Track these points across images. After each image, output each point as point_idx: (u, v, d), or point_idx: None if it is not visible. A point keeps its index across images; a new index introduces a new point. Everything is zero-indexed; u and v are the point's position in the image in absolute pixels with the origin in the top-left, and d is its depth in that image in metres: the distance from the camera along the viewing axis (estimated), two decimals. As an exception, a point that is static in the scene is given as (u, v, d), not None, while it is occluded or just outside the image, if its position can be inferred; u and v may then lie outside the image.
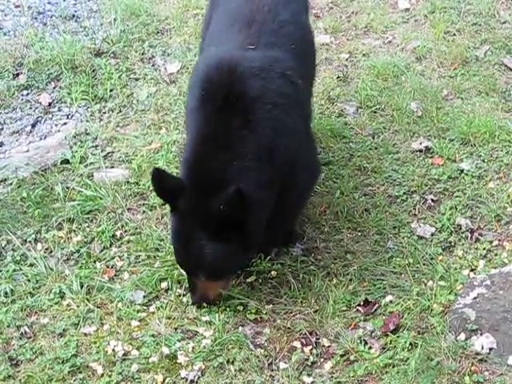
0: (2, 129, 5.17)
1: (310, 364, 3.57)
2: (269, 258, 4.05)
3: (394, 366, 3.51)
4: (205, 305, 3.78)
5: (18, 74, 5.58)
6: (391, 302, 3.84)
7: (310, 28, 4.31)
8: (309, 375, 3.50)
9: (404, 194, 4.48)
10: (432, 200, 4.42)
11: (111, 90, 5.38)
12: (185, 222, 3.54)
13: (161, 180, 3.54)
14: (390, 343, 3.63)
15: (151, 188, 4.41)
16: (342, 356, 3.58)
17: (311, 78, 4.21)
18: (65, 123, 5.19)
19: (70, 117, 5.25)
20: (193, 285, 3.70)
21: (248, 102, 3.56)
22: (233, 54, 3.69)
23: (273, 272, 4.00)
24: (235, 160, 3.47)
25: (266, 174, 3.54)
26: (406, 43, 5.78)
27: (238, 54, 3.68)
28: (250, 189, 3.42)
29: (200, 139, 3.57)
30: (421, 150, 4.78)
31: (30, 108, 5.36)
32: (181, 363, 3.56)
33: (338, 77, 5.55)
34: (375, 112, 5.16)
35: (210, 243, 3.49)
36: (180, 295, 3.89)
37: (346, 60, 5.78)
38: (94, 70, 5.58)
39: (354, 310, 3.80)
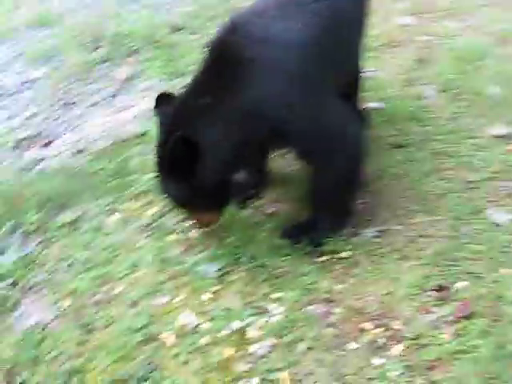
0: (82, 100, 5.23)
1: (379, 346, 3.50)
2: (341, 238, 4.00)
3: (465, 353, 3.42)
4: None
5: (97, 47, 5.64)
6: (464, 288, 3.74)
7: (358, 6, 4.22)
8: (378, 357, 3.44)
9: (481, 179, 4.37)
10: (510, 187, 4.29)
11: (189, 66, 5.36)
12: (155, 155, 3.73)
13: (160, 103, 3.76)
14: (462, 329, 3.54)
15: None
16: (412, 340, 3.51)
17: (346, 50, 4.08)
18: (143, 97, 5.22)
19: (147, 91, 5.28)
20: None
21: (239, 64, 3.56)
22: (246, 18, 3.72)
23: (345, 252, 3.95)
24: (204, 113, 3.53)
25: (230, 135, 3.56)
26: (489, 27, 5.66)
27: (251, 19, 3.69)
28: (204, 142, 3.51)
29: (189, 85, 3.69)
30: (500, 136, 4.66)
31: (109, 81, 5.42)
32: (251, 338, 3.55)
33: (418, 59, 5.45)
34: (454, 96, 5.06)
35: (165, 179, 3.67)
36: (253, 270, 3.88)
37: (426, 42, 5.68)
38: (172, 46, 5.59)
39: (427, 294, 3.71)
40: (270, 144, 4.00)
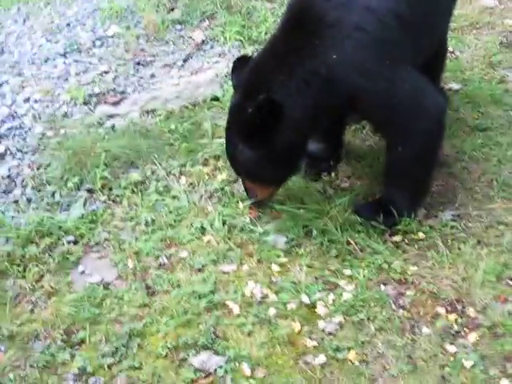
0: (154, 61, 5.16)
1: (453, 333, 3.37)
2: (417, 219, 3.86)
3: (545, 346, 3.25)
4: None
5: (172, 9, 5.56)
6: (545, 279, 3.54)
7: None
8: (452, 344, 3.31)
9: None
10: None
11: (265, 34, 5.27)
12: (228, 120, 3.71)
13: (238, 67, 3.74)
14: (542, 322, 3.36)
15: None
16: (488, 328, 3.36)
17: (430, 23, 3.85)
18: (217, 61, 5.13)
19: (222, 55, 5.19)
20: (243, 183, 3.84)
21: (319, 27, 3.47)
22: None
23: (420, 234, 3.81)
24: (285, 75, 3.47)
25: (309, 99, 3.50)
26: None
27: None
28: (287, 104, 3.45)
29: (266, 47, 3.67)
30: None
31: (183, 43, 5.34)
32: (320, 314, 3.44)
33: (501, 42, 5.32)
34: (540, 82, 4.82)
35: (239, 145, 3.59)
36: (323, 245, 3.75)
37: (511, 26, 5.48)
38: (249, 12, 5.50)
39: (505, 282, 3.56)
40: (347, 112, 3.89)
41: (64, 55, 5.19)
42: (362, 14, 3.48)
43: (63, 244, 3.82)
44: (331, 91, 3.53)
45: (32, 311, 3.50)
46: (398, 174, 3.84)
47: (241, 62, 3.82)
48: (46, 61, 5.14)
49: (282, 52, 3.56)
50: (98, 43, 5.30)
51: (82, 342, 3.35)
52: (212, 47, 5.28)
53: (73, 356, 3.28)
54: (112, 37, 5.35)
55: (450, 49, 5.00)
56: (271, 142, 3.56)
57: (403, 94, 3.60)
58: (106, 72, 5.05)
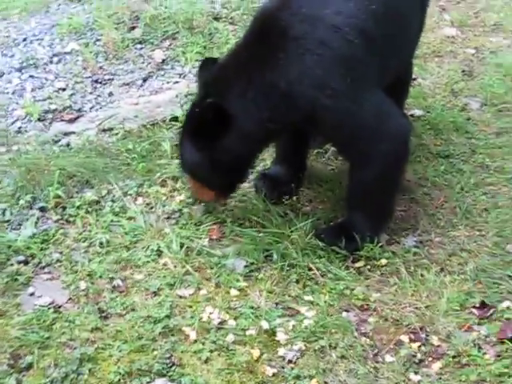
0: (113, 79, 5.08)
1: (417, 361, 3.26)
2: (379, 244, 3.76)
3: (510, 376, 3.17)
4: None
5: (133, 28, 5.50)
6: (509, 308, 3.50)
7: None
8: (416, 373, 3.20)
9: (527, 197, 4.10)
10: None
11: (226, 55, 5.13)
12: (186, 114, 3.79)
13: (204, 68, 3.81)
14: (506, 351, 3.29)
15: (260, 158, 4.23)
16: (452, 358, 3.26)
17: (397, 45, 3.79)
18: (176, 82, 5.05)
19: (182, 76, 5.12)
20: (188, 181, 3.89)
21: (283, 40, 3.45)
22: None
23: (383, 260, 3.73)
24: (242, 84, 3.49)
25: (264, 112, 3.49)
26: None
27: None
28: (238, 114, 3.48)
29: (230, 54, 3.72)
30: (548, 155, 4.38)
31: (143, 62, 5.25)
32: (279, 341, 3.31)
33: (463, 71, 5.33)
34: (500, 111, 4.88)
35: (186, 143, 3.67)
36: (283, 270, 3.65)
37: (472, 55, 5.54)
38: (210, 34, 5.47)
39: (468, 311, 3.48)
40: (305, 129, 3.83)
41: (20, 70, 5.07)
42: (327, 30, 3.44)
43: (12, 264, 3.67)
44: (289, 107, 3.49)
45: (-23, 334, 3.31)
46: (360, 197, 3.77)
47: (207, 63, 3.84)
48: (0, 75, 5.02)
49: (244, 61, 3.55)
50: (55, 59, 5.18)
51: (30, 366, 3.19)
52: (172, 67, 5.19)
53: (19, 382, 3.12)
54: (70, 53, 5.25)
55: (413, 76, 4.92)
56: (214, 146, 3.57)
57: (366, 113, 3.54)
58: (63, 89, 4.93)
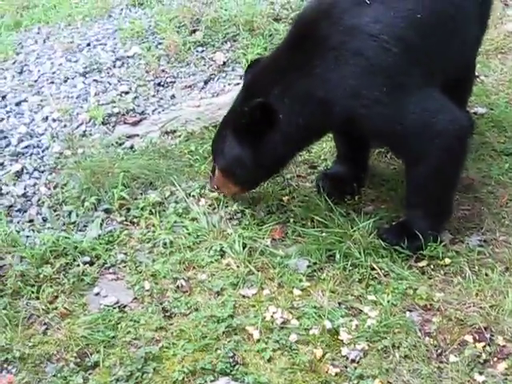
0: (175, 82, 5.12)
1: (482, 361, 3.23)
2: (442, 244, 3.74)
3: None
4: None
5: (194, 31, 5.52)
6: None
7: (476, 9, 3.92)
8: (480, 373, 3.17)
9: None
10: None
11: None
12: (227, 112, 3.88)
13: (251, 68, 3.92)
14: None
15: (322, 157, 4.25)
16: (518, 358, 3.19)
17: (447, 49, 3.75)
18: (238, 83, 5.03)
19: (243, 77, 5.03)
20: (212, 171, 3.94)
21: (321, 49, 3.53)
22: (338, 3, 3.59)
23: (446, 259, 3.70)
24: (282, 89, 3.58)
25: (302, 118, 3.60)
26: None
27: (346, 5, 3.56)
28: (280, 116, 3.58)
29: (271, 57, 3.82)
30: None
31: (204, 65, 5.28)
32: (343, 340, 3.32)
33: None
34: None
35: (229, 138, 3.73)
36: (346, 269, 3.66)
37: None
38: (271, 35, 5.46)
39: (536, 311, 3.39)
40: (353, 133, 3.87)
41: (84, 75, 5.14)
42: (365, 40, 3.47)
43: (78, 265, 3.73)
44: (325, 114, 3.57)
45: (45, 333, 3.40)
46: (417, 195, 3.77)
47: (254, 64, 3.95)
48: (65, 80, 5.08)
49: (283, 66, 3.64)
50: (118, 63, 5.24)
51: (96, 365, 3.25)
52: (233, 69, 5.22)
53: (86, 380, 3.18)
54: (132, 57, 5.30)
55: (476, 73, 4.86)
56: (258, 144, 3.65)
57: (409, 116, 3.55)
58: (126, 92, 4.99)
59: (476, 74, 4.84)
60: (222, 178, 3.91)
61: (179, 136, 4.62)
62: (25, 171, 4.36)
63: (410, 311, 3.46)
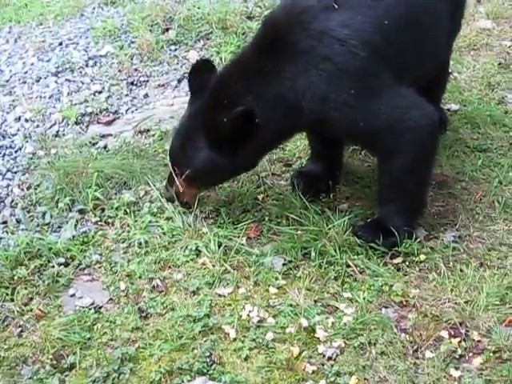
0: (148, 81, 5.11)
1: (457, 357, 3.26)
2: (417, 240, 3.77)
3: (552, 371, 3.13)
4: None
5: (167, 29, 5.53)
6: (552, 303, 3.44)
7: (439, 13, 3.95)
8: (456, 368, 3.19)
9: None
10: None
11: (261, 54, 5.15)
12: (192, 118, 3.76)
13: (198, 70, 3.82)
14: (549, 347, 3.24)
15: (296, 155, 4.26)
16: (493, 353, 3.26)
17: (417, 50, 3.81)
18: (212, 82, 4.98)
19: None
20: (171, 180, 3.84)
21: (291, 54, 3.55)
22: (308, 8, 3.61)
23: (421, 256, 3.72)
24: (252, 95, 3.57)
25: (275, 122, 3.61)
26: None
27: (316, 10, 3.59)
28: (262, 122, 3.57)
29: (238, 59, 3.77)
30: None
31: (177, 63, 5.29)
32: (319, 338, 3.33)
33: (500, 63, 5.33)
34: (539, 103, 4.78)
35: (205, 147, 3.66)
36: (322, 267, 3.66)
37: (509, 47, 5.54)
38: (244, 33, 5.49)
39: (509, 305, 3.46)
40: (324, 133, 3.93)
41: (56, 74, 5.12)
42: (333, 45, 3.50)
43: (53, 266, 3.71)
44: (297, 117, 3.60)
45: (20, 335, 3.38)
46: (390, 191, 3.80)
47: (201, 67, 3.89)
48: (37, 80, 5.08)
49: (254, 70, 3.63)
50: (90, 62, 5.24)
51: (72, 367, 3.23)
52: (208, 67, 5.13)
53: (62, 382, 3.17)
54: (105, 56, 5.30)
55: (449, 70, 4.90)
56: (235, 151, 3.64)
57: (379, 115, 3.58)
58: (99, 92, 4.99)
59: (449, 70, 4.86)
60: (186, 186, 3.85)
61: (153, 135, 4.62)
62: (-3, 172, 4.30)
63: (386, 308, 3.48)
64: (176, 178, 3.81)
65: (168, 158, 3.91)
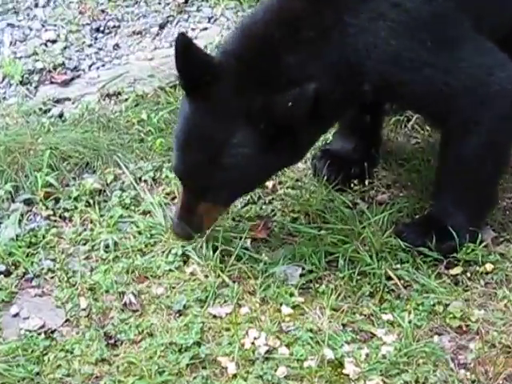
0: (120, 27, 5.14)
1: (536, 403, 3.26)
2: (483, 244, 3.81)
3: None
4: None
5: (147, -41, 5.48)
6: None
7: None
8: (534, 419, 3.21)
9: None
10: None
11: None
12: (219, 115, 3.60)
13: (189, 52, 3.57)
14: None
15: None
16: None
17: (492, 8, 3.86)
18: (205, 28, 5.14)
19: (212, 20, 5.19)
20: (188, 210, 3.72)
21: (351, 1, 3.58)
22: None
23: (488, 265, 3.77)
24: (313, 63, 3.56)
25: (336, 94, 3.61)
26: None
27: None
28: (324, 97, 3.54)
29: (276, 14, 3.67)
30: None
31: (159, 3, 5.32)
32: (348, 375, 3.35)
33: None
34: None
35: (256, 150, 3.57)
36: (352, 279, 3.70)
37: None
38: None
39: None
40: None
41: (-6, 18, 5.10)
42: None
43: (-10, 275, 3.71)
44: (359, 85, 3.62)
45: None
46: (455, 179, 3.85)
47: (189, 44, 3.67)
48: (-32, 25, 5.07)
49: (306, 30, 3.60)
50: (41, 2, 5.26)
51: (17, 412, 3.24)
52: (199, 9, 5.27)
53: (1, 433, 3.19)
54: (61, -7, 5.28)
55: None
56: (295, 142, 3.62)
57: (459, 76, 3.64)
58: (53, 41, 5.02)
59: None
60: (211, 209, 3.79)
61: (125, 100, 4.67)
62: None
63: (440, 335, 3.52)
64: (198, 203, 3.73)
65: (179, 179, 3.82)
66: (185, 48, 3.58)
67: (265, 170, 3.74)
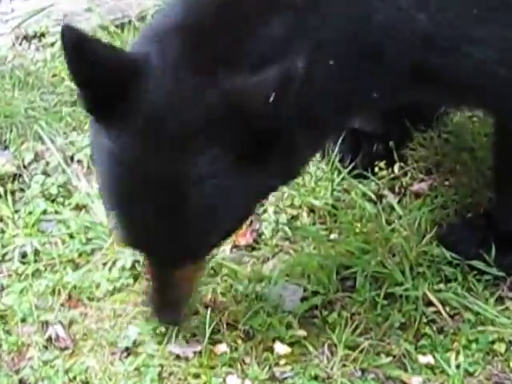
0: None
1: None
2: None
3: None
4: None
5: None
6: None
7: None
8: None
9: None
10: None
11: None
12: (161, 140, 3.32)
13: (86, 52, 3.20)
14: None
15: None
16: None
17: None
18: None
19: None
20: (165, 285, 3.56)
21: None
22: None
23: None
24: (306, 41, 3.45)
25: (349, 79, 3.51)
26: None
27: None
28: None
29: None
30: None
31: None
32: None
33: None
34: None
35: (231, 175, 3.38)
36: (377, 305, 3.66)
37: None
38: None
39: None
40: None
41: None
42: None
43: None
44: (380, 74, 3.55)
45: None
46: None
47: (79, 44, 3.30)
48: None
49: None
50: None
51: None
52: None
53: None
54: None
55: None
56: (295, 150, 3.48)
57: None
58: None
59: None
60: (188, 274, 3.61)
61: (51, 45, 4.71)
62: None
63: (501, 384, 3.49)
64: (174, 273, 3.57)
65: (137, 251, 3.64)
66: (77, 48, 3.21)
67: (250, 199, 3.58)
